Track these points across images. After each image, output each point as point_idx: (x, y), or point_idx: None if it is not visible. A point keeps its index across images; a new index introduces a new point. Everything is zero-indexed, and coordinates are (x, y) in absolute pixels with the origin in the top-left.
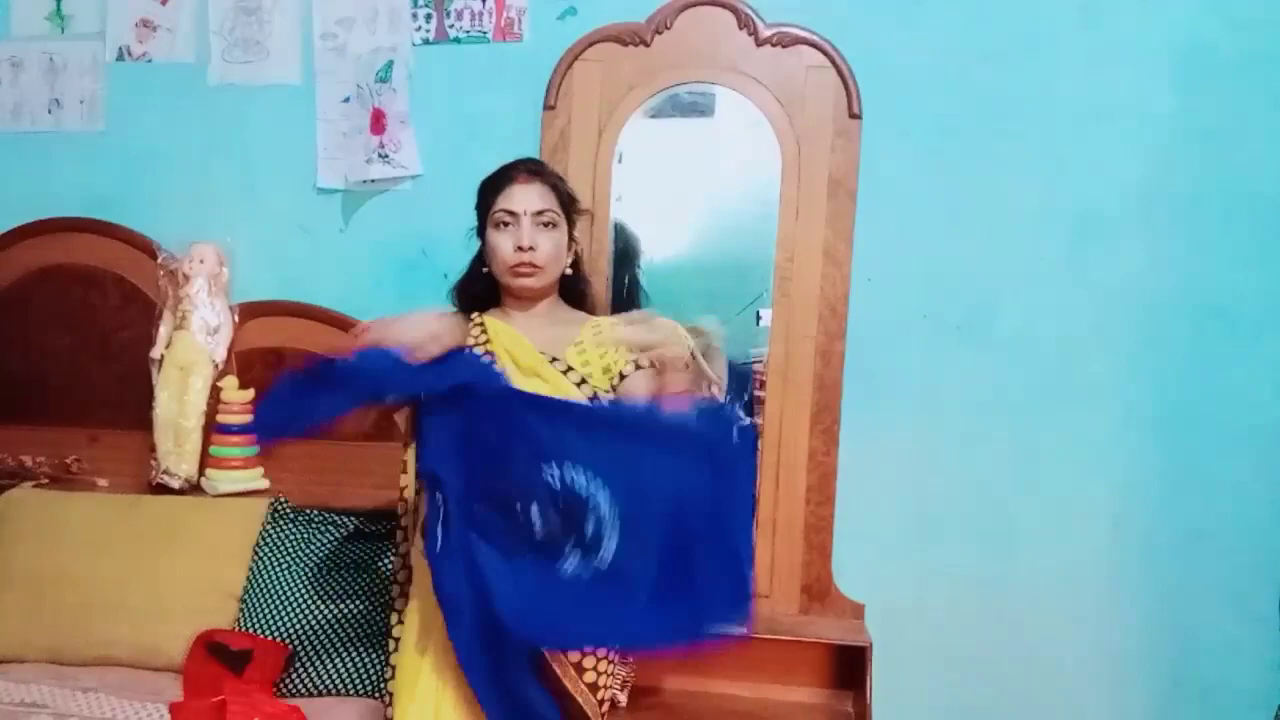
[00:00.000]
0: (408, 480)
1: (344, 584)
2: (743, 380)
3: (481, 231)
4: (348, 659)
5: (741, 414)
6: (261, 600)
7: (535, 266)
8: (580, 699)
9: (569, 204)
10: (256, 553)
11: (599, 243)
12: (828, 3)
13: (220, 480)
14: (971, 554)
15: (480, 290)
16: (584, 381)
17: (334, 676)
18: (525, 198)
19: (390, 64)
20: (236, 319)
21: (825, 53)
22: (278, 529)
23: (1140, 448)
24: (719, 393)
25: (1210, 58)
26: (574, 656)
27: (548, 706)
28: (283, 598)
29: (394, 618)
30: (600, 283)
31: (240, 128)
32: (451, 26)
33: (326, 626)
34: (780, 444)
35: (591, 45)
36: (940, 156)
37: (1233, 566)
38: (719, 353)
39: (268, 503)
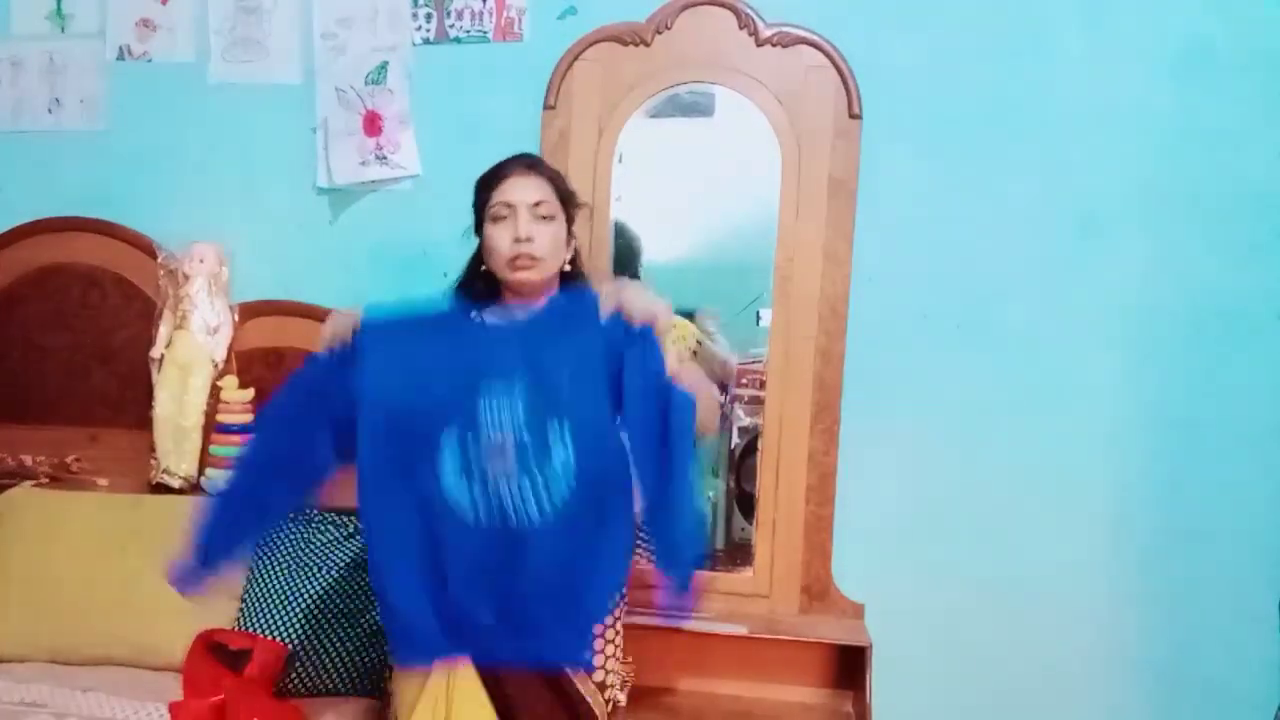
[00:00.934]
0: None
1: (344, 584)
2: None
3: (479, 228)
4: (348, 659)
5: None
6: (261, 600)
7: (533, 259)
8: (590, 700)
9: (567, 198)
10: (256, 553)
11: (599, 242)
12: (828, 3)
13: (220, 480)
14: (971, 554)
15: (482, 288)
16: None
17: (334, 676)
18: (522, 190)
19: (384, 65)
20: (236, 319)
21: (825, 53)
22: (278, 529)
23: (1140, 448)
24: (731, 371)
25: (1210, 58)
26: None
27: (559, 711)
28: (283, 598)
29: None
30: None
31: (240, 127)
32: (451, 26)
33: (326, 626)
34: (780, 444)
35: (591, 45)
36: (940, 156)
37: (1233, 566)
38: (717, 338)
39: None
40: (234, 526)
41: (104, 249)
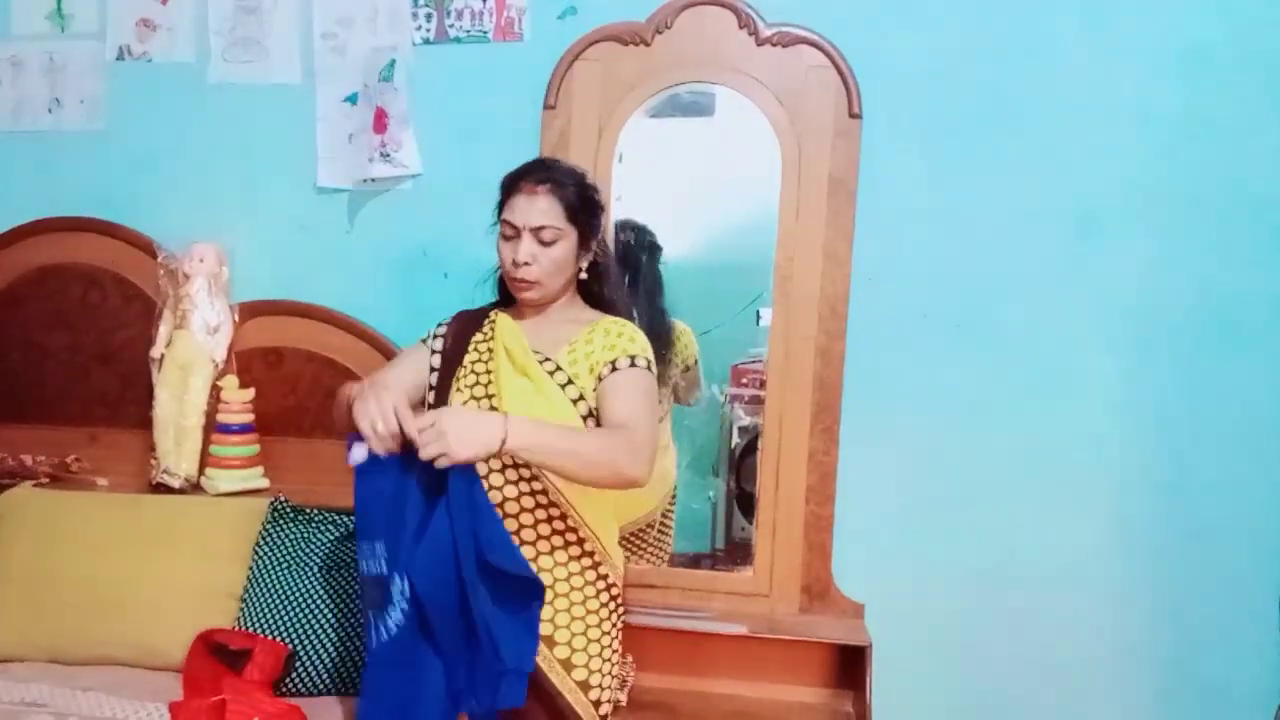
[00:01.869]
0: None
1: (344, 584)
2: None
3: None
4: (347, 659)
5: None
6: (261, 600)
7: (529, 282)
8: (570, 697)
9: (581, 210)
10: (256, 552)
11: (599, 243)
12: (828, 3)
13: (220, 479)
14: (971, 553)
15: (504, 288)
16: (570, 382)
17: (334, 676)
18: (526, 212)
19: (393, 63)
20: (236, 318)
21: (825, 53)
22: (278, 529)
23: (1140, 448)
24: (696, 398)
25: (1211, 58)
26: (561, 652)
27: (533, 704)
28: (283, 598)
29: None
30: None
31: (240, 127)
32: (451, 26)
33: (326, 626)
34: (780, 444)
35: (591, 45)
36: (940, 156)
37: (1233, 566)
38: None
39: (268, 502)
40: None
41: (104, 249)
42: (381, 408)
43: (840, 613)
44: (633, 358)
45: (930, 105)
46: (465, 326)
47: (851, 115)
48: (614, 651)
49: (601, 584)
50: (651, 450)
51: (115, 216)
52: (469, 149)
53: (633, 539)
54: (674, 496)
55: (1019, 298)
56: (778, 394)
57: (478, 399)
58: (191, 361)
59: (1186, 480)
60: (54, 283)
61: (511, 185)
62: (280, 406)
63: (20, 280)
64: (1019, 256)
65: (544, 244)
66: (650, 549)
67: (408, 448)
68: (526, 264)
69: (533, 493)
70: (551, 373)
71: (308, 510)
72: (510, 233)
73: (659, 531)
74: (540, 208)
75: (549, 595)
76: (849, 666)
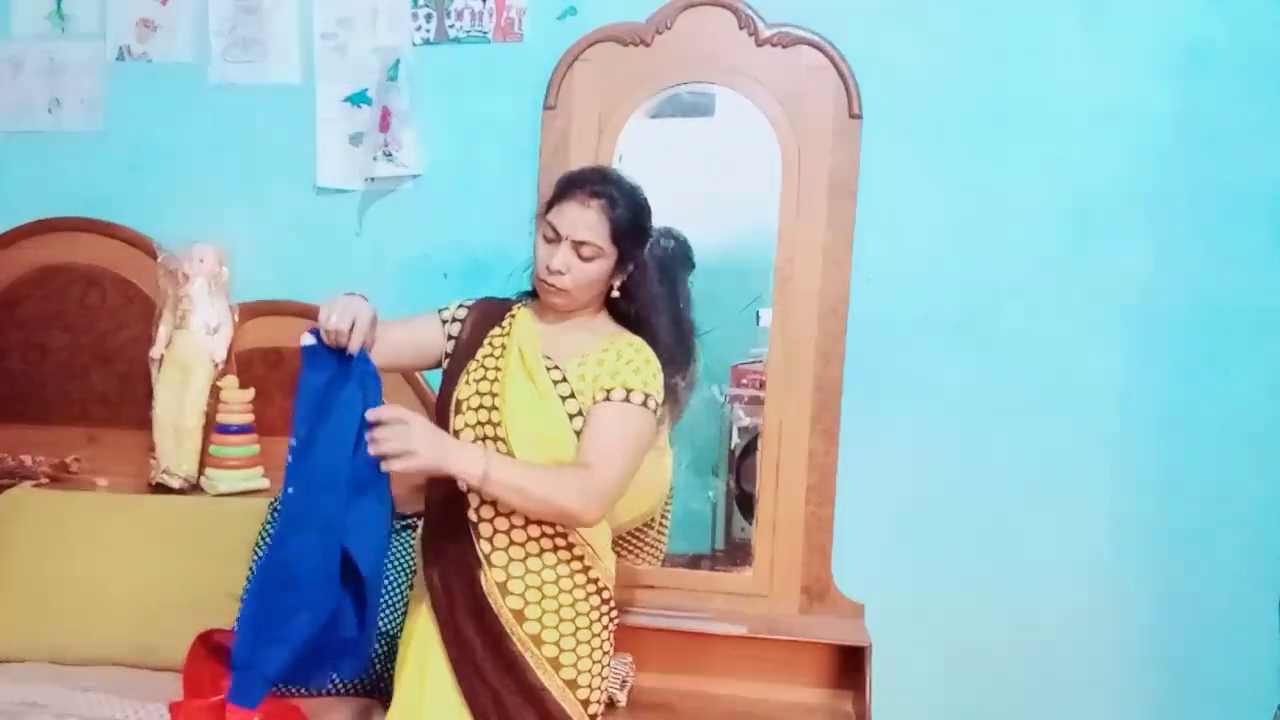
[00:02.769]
0: None
1: None
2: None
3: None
4: None
5: None
6: None
7: (558, 289)
8: (556, 695)
9: (628, 234)
10: (256, 552)
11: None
12: (828, 3)
13: (220, 480)
14: (971, 554)
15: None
16: (572, 395)
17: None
18: (574, 223)
19: (398, 63)
20: (236, 319)
21: (825, 53)
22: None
23: (1140, 448)
24: None
25: (1210, 58)
26: (549, 651)
27: (520, 703)
28: None
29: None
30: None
31: (240, 127)
32: (451, 26)
33: None
34: (780, 444)
35: (591, 45)
36: (940, 156)
37: (1233, 566)
38: None
39: (268, 502)
40: None
41: (104, 249)
42: (342, 313)
43: (840, 613)
44: (629, 391)
45: (930, 105)
46: (485, 317)
47: (851, 115)
48: (604, 653)
49: (592, 586)
50: (610, 493)
51: (115, 216)
52: (469, 149)
53: (629, 538)
54: (670, 498)
55: (1019, 298)
56: (778, 394)
57: (481, 395)
58: (191, 362)
59: (1186, 480)
60: (54, 283)
61: (566, 189)
62: (280, 406)
63: (20, 280)
64: (1019, 256)
65: (582, 258)
66: (647, 549)
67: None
68: (560, 272)
69: None
70: (557, 382)
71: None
72: (552, 236)
73: (656, 532)
74: (588, 221)
75: (536, 596)
76: (849, 667)
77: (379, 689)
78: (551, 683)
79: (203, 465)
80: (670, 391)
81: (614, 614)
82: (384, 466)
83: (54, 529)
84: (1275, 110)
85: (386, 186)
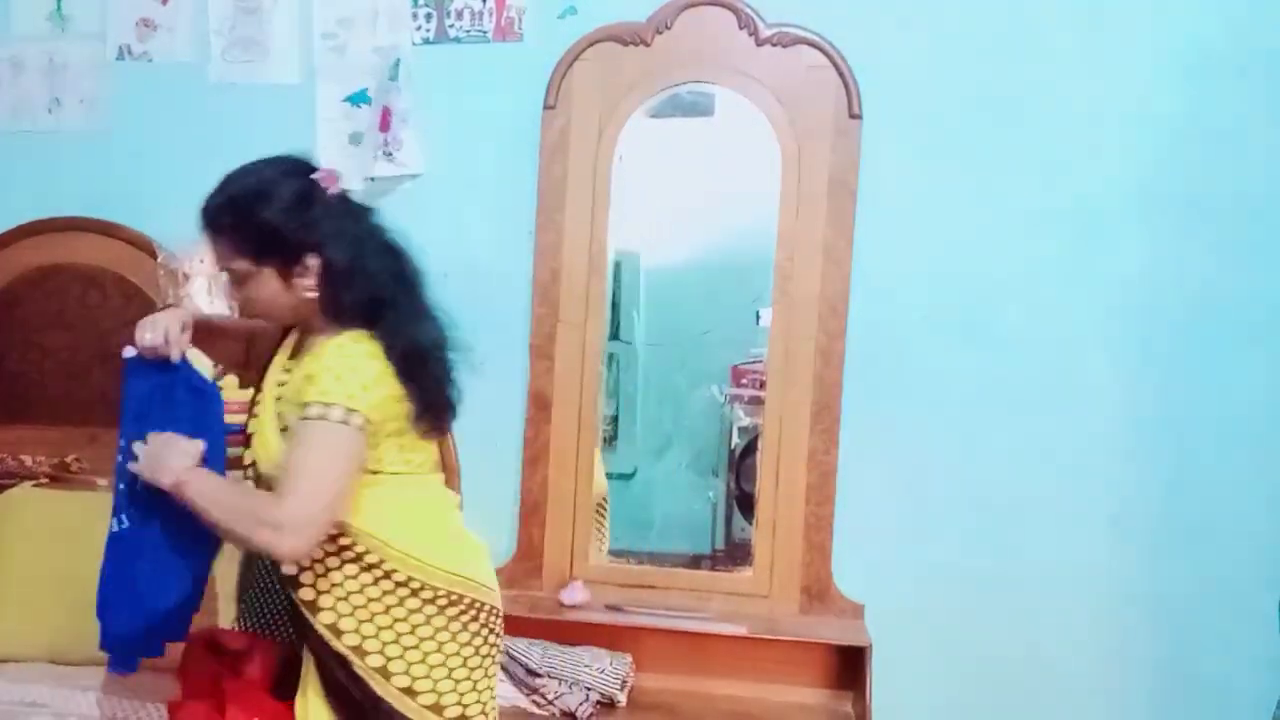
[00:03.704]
0: None
1: None
2: None
3: None
4: None
5: None
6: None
7: (253, 314)
8: (396, 704)
9: (259, 241)
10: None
11: (599, 243)
12: (828, 3)
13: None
14: (971, 554)
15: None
16: (285, 427)
17: None
18: (212, 257)
19: (398, 62)
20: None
21: (825, 53)
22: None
23: (1140, 448)
24: None
25: (1211, 58)
26: (374, 661)
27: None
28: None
29: None
30: (600, 283)
31: (240, 127)
32: (451, 26)
33: None
34: (780, 444)
35: (591, 45)
36: (940, 156)
37: (1233, 566)
38: None
39: None
40: None
41: (104, 249)
42: (154, 328)
43: (840, 613)
44: (306, 406)
45: (930, 105)
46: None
47: (851, 115)
48: (454, 657)
49: (398, 586)
50: (301, 521)
51: (115, 216)
52: (469, 149)
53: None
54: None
55: (1019, 298)
56: (778, 394)
57: (249, 430)
58: (191, 362)
59: (1186, 480)
60: (54, 283)
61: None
62: None
63: (20, 280)
64: (1019, 256)
65: (237, 285)
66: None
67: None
68: (235, 308)
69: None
70: (277, 399)
71: None
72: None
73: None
74: (215, 251)
75: (347, 608)
76: (849, 667)
77: None
78: (386, 692)
79: None
80: (420, 360)
81: (453, 611)
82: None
83: (54, 529)
84: (1275, 110)
85: (386, 186)
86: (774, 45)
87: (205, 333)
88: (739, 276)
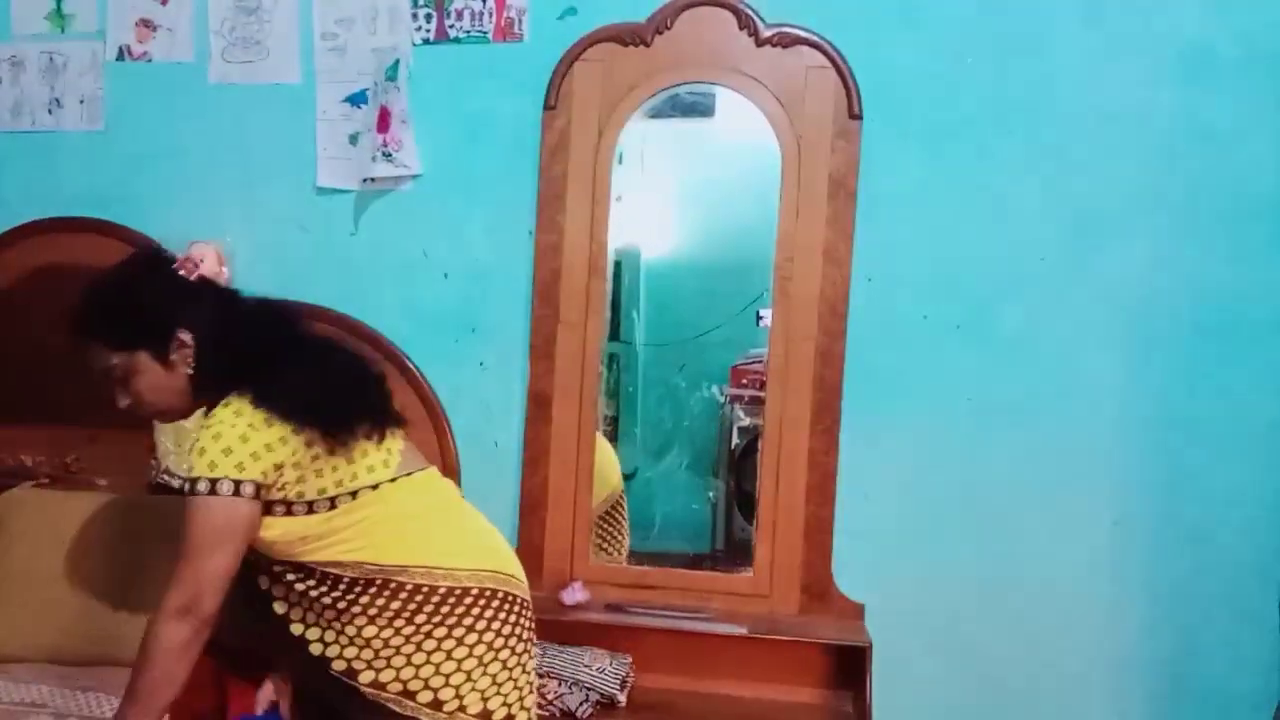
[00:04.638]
0: None
1: None
2: None
3: None
4: None
5: None
6: None
7: (150, 416)
8: (396, 707)
9: (122, 335)
10: None
11: (598, 243)
12: (828, 3)
13: None
14: (972, 554)
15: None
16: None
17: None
18: (91, 365)
19: (397, 63)
20: None
21: (825, 53)
22: None
23: (1140, 448)
24: None
25: (1210, 58)
26: (316, 648)
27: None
28: None
29: None
30: (600, 283)
31: (240, 128)
32: (451, 26)
33: None
34: (780, 444)
35: (591, 45)
36: (940, 156)
37: (1233, 567)
38: None
39: None
40: None
41: (104, 249)
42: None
43: (840, 613)
44: (184, 484)
45: (930, 105)
46: None
47: (851, 115)
48: (438, 652)
49: (363, 589)
50: (190, 594)
51: (115, 216)
52: (469, 149)
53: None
54: (623, 493)
55: (1019, 298)
56: (778, 394)
57: None
58: None
59: (1186, 480)
60: (54, 283)
61: None
62: None
63: (20, 280)
64: (1019, 256)
65: (121, 383)
66: (607, 545)
67: None
68: (127, 407)
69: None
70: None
71: None
72: None
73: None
74: (92, 359)
75: (334, 635)
76: (849, 667)
77: None
78: (418, 712)
79: None
80: (306, 398)
81: (456, 608)
82: None
83: (54, 529)
84: (1275, 110)
85: (386, 186)
86: (774, 45)
87: None
88: (739, 276)
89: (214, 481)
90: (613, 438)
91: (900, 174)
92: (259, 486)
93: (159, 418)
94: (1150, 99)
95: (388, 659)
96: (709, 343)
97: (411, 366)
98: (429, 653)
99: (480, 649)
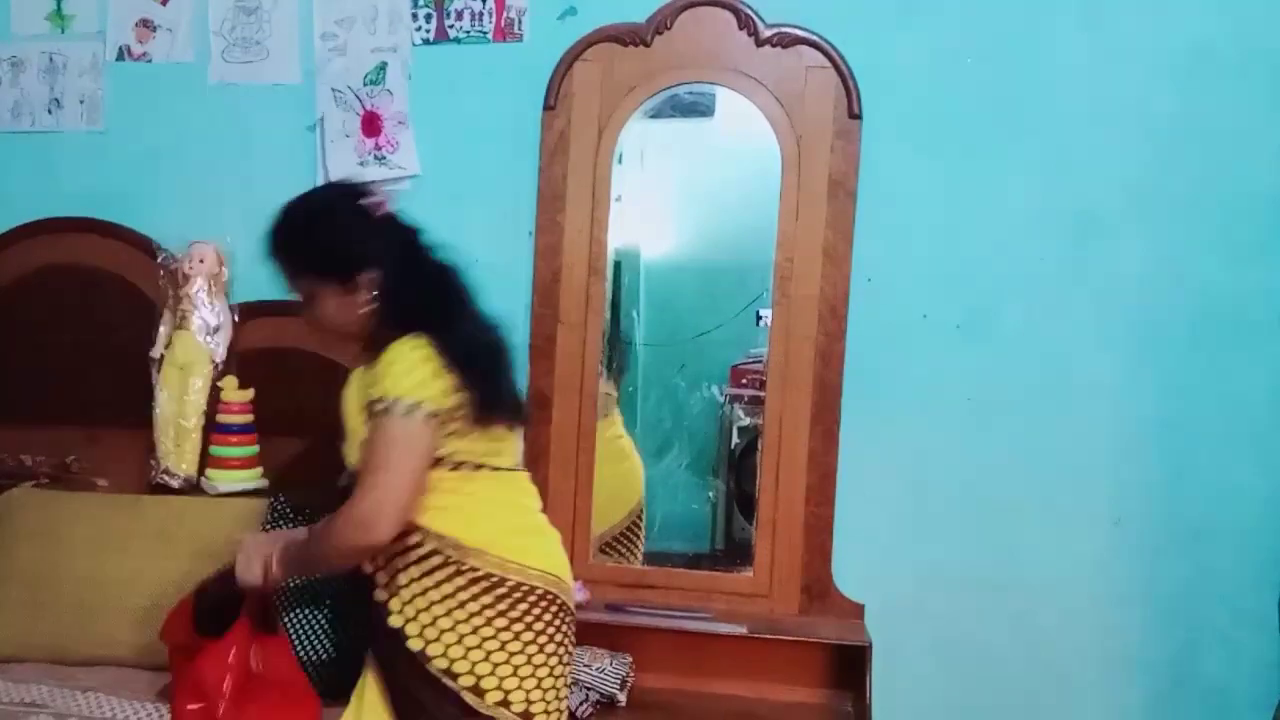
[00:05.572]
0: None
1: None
2: None
3: None
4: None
5: None
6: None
7: (323, 334)
8: (471, 701)
9: (312, 264)
10: None
11: (598, 243)
12: (828, 3)
13: (220, 480)
14: (971, 553)
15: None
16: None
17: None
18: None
19: (383, 66)
20: (236, 319)
21: (825, 53)
22: (277, 529)
23: (1140, 448)
24: None
25: (1210, 58)
26: (381, 595)
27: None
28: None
29: None
30: (600, 283)
31: (240, 127)
32: (451, 27)
33: (326, 626)
34: (780, 444)
35: (591, 45)
36: (940, 156)
37: (1233, 566)
38: None
39: (267, 502)
40: None
41: (104, 249)
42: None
43: (840, 613)
44: (373, 403)
45: (930, 105)
46: None
47: (851, 115)
48: (517, 650)
49: (473, 583)
50: (385, 507)
51: (115, 216)
52: (469, 149)
53: (617, 541)
54: (642, 510)
55: (1019, 298)
56: (778, 394)
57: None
58: (191, 362)
59: (1186, 480)
60: (54, 283)
61: None
62: (280, 407)
63: (20, 280)
64: (1019, 256)
65: (306, 304)
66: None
67: None
68: (311, 322)
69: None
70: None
71: (308, 511)
72: None
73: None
74: (282, 273)
75: (412, 611)
76: (849, 667)
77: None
78: (454, 685)
79: (203, 465)
80: (473, 358)
81: (519, 603)
82: None
83: (54, 529)
84: (1275, 110)
85: (386, 187)
86: (774, 45)
87: None
88: (739, 276)
89: (417, 404)
90: None
91: (900, 174)
92: (440, 421)
93: (337, 339)
94: (1150, 99)
95: (440, 632)
96: (709, 343)
97: None
98: (485, 638)
99: (532, 649)
